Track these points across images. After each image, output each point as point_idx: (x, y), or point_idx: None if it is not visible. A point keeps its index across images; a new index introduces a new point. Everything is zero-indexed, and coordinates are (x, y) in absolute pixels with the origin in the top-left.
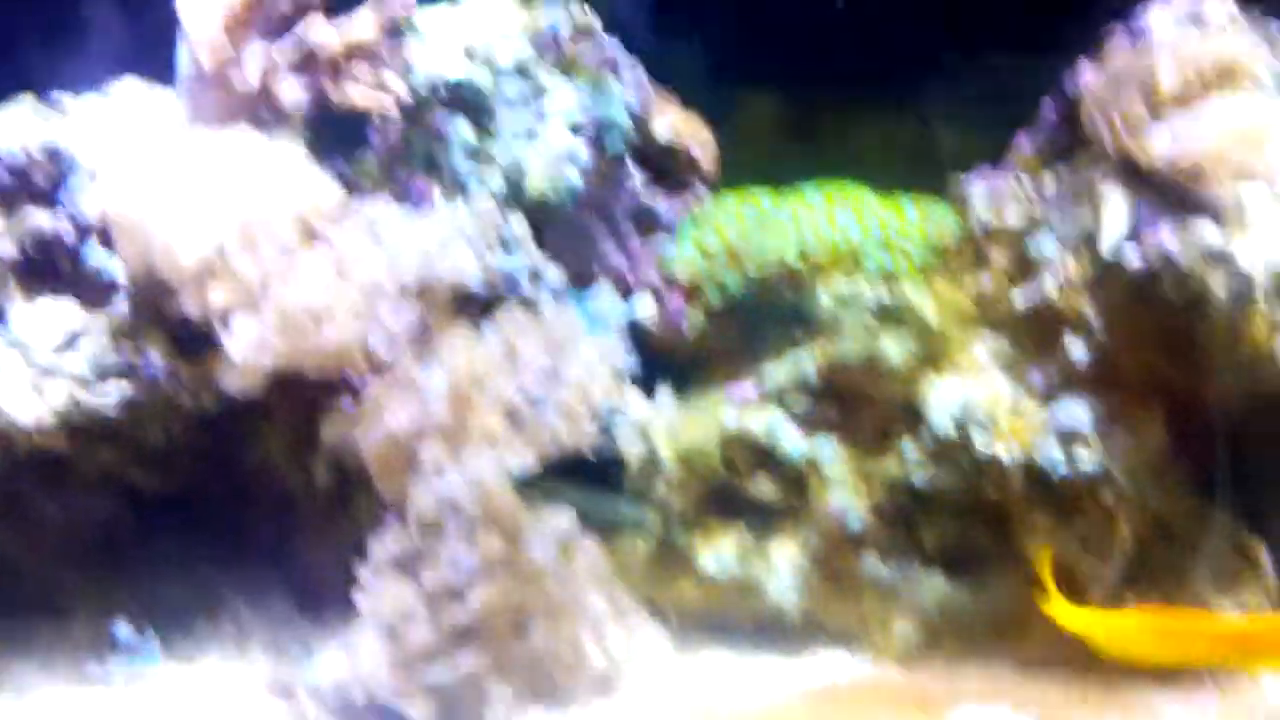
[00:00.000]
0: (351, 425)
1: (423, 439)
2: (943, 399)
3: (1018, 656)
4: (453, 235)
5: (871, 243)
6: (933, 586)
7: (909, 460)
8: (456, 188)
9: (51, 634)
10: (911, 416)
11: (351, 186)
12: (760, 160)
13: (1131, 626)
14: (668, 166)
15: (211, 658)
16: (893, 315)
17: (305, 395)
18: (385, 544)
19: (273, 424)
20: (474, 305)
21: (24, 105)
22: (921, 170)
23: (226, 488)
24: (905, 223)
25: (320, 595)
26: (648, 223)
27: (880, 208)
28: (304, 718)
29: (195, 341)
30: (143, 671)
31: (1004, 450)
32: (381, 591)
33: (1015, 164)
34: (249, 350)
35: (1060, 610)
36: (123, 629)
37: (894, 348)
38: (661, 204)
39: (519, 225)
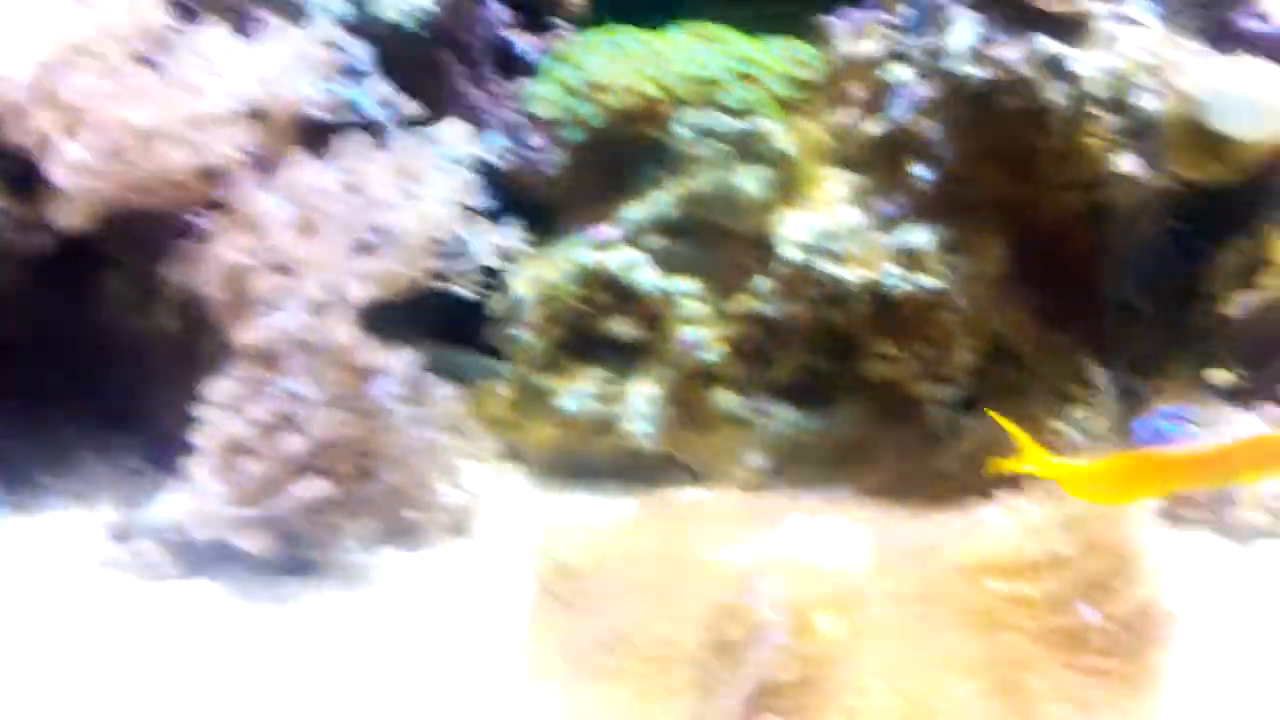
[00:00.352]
0: (193, 264)
1: (261, 271)
2: (793, 229)
3: (861, 484)
4: (292, 59)
5: (730, 76)
6: (783, 417)
7: (761, 292)
8: (296, 13)
9: None
10: (765, 250)
11: (189, 14)
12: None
13: (1109, 471)
14: (530, 2)
15: (55, 510)
16: (749, 149)
17: (145, 234)
18: (222, 381)
19: (113, 266)
20: (317, 133)
21: None
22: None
23: (69, 335)
24: (767, 57)
25: (170, 443)
26: (510, 62)
27: (742, 43)
28: (141, 557)
29: (22, 176)
30: None
31: (849, 275)
32: (216, 427)
33: None
34: (77, 177)
35: (1040, 464)
36: None
37: (750, 181)
38: (526, 43)
39: (364, 52)
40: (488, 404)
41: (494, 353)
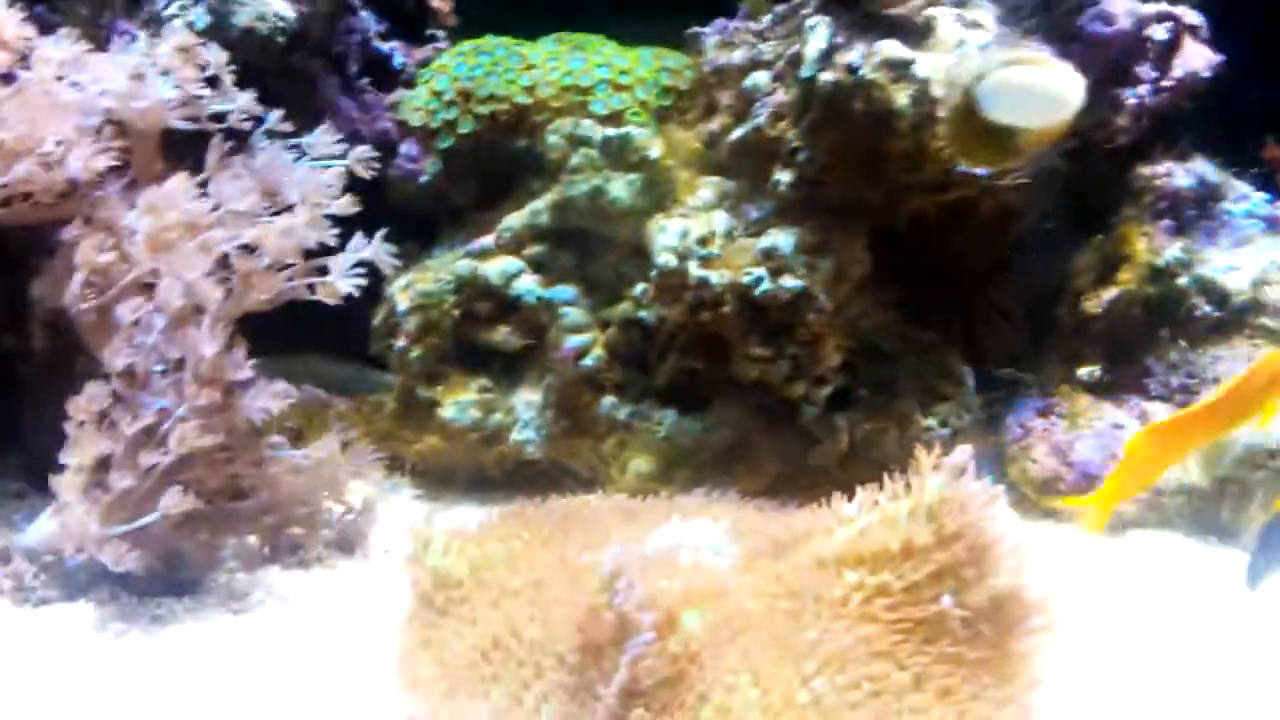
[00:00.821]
0: (57, 281)
1: (123, 287)
2: (665, 235)
3: (743, 485)
4: (150, 70)
5: (601, 85)
6: (665, 421)
7: (638, 298)
8: (158, 26)
9: None
10: (642, 255)
11: (47, 27)
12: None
13: (1146, 452)
14: (406, 14)
15: None
16: (620, 156)
17: (12, 251)
18: (86, 398)
19: None
20: (180, 144)
21: None
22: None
23: None
24: (638, 66)
25: (47, 463)
26: (387, 73)
27: (614, 53)
28: (19, 579)
29: None
30: None
31: (716, 277)
32: (82, 445)
33: (746, 9)
34: None
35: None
36: None
37: (621, 188)
38: (400, 54)
39: (221, 58)
40: (374, 417)
41: (381, 366)
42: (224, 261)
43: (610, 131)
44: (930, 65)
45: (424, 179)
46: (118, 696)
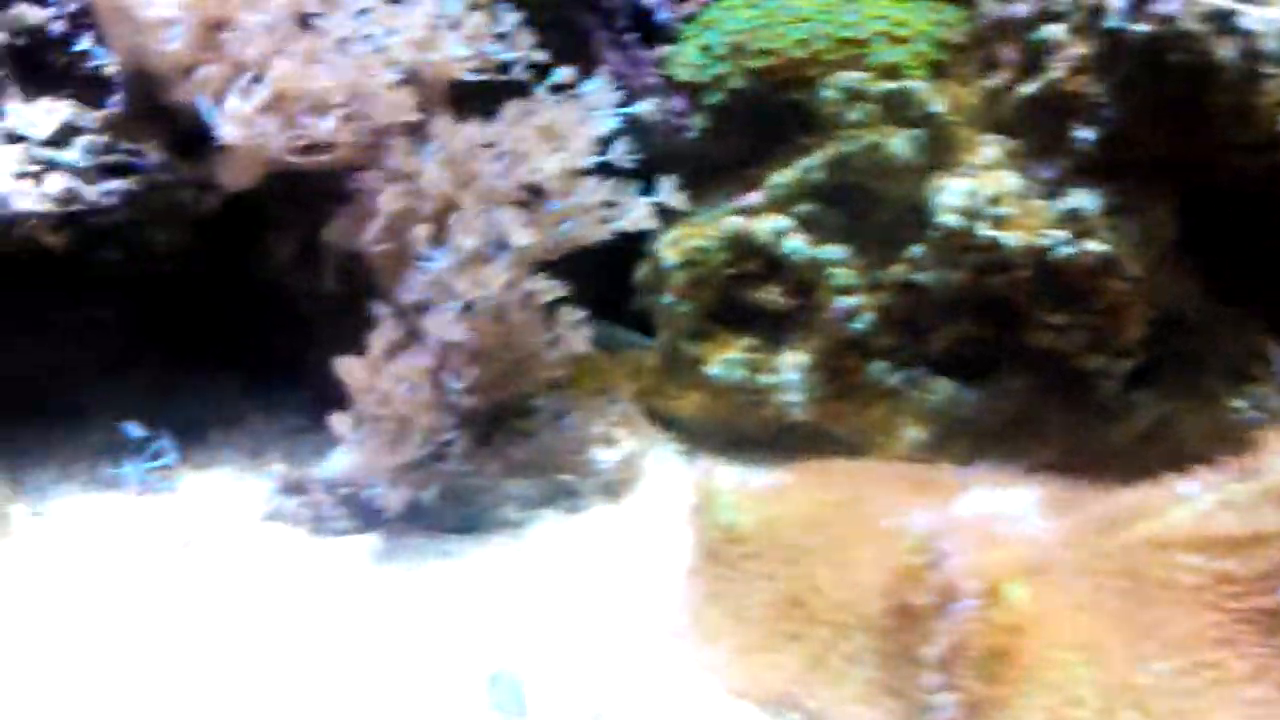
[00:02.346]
0: (352, 225)
1: (418, 229)
2: (950, 194)
3: (1024, 459)
4: (442, 23)
5: (878, 37)
6: (940, 390)
7: (916, 259)
8: None
9: (68, 440)
10: (918, 215)
11: None
12: None
13: None
14: None
15: (227, 466)
16: (900, 111)
17: (307, 196)
18: (380, 334)
19: (277, 229)
20: (467, 94)
21: None
22: None
23: (235, 296)
24: (914, 19)
25: (333, 401)
26: (651, 28)
27: (889, 4)
28: (317, 509)
29: (192, 138)
30: (158, 475)
31: (1011, 239)
32: (375, 381)
33: None
34: (243, 133)
35: None
36: (136, 431)
37: (901, 145)
38: (664, 9)
39: (511, 15)
40: (635, 372)
41: (637, 323)
42: (512, 205)
43: (890, 85)
44: (1259, 17)
45: (690, 134)
46: (414, 627)
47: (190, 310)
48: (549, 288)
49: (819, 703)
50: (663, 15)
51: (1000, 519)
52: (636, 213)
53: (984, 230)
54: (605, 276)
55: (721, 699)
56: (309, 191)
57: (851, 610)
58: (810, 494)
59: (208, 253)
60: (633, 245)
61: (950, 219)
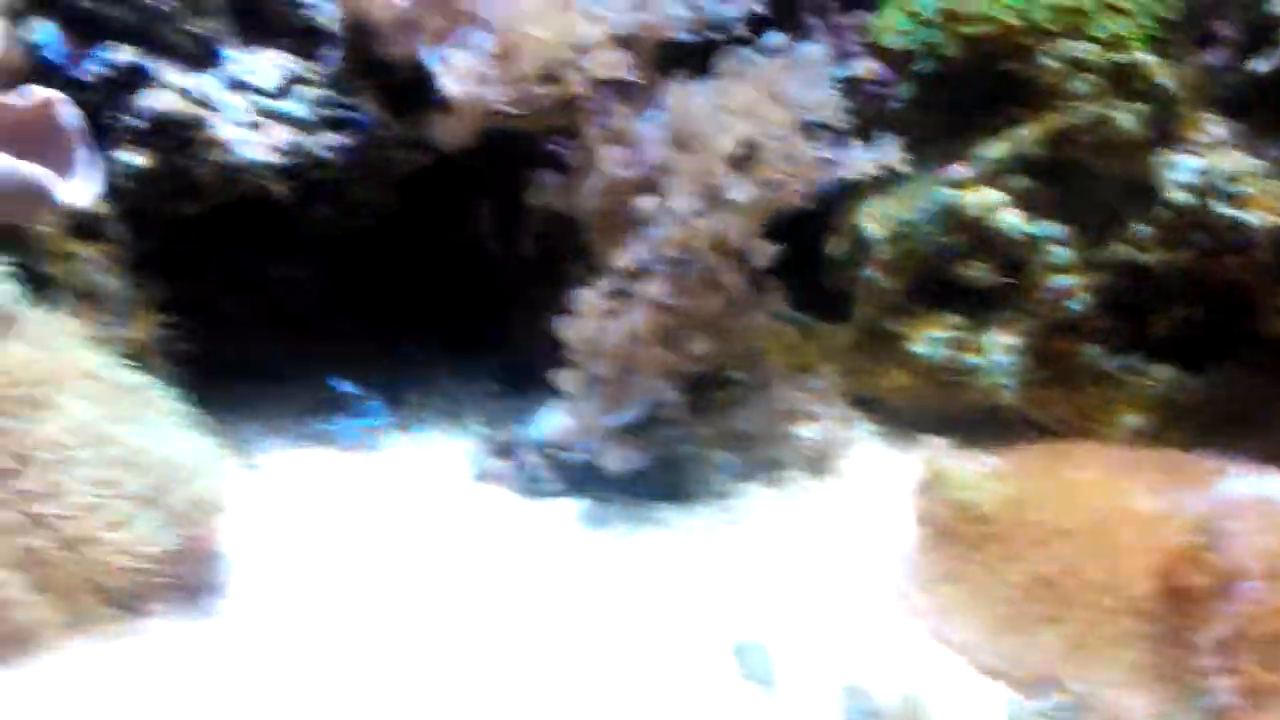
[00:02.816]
0: (559, 191)
1: (636, 189)
2: (1182, 171)
3: (1251, 449)
4: None
5: (1099, 7)
6: (1161, 376)
7: (1138, 239)
8: None
9: (273, 395)
10: (1142, 192)
11: None
12: None
13: None
14: None
15: (430, 428)
16: (1125, 83)
17: (513, 160)
18: (594, 294)
19: (477, 191)
20: (685, 53)
21: None
22: None
23: (430, 257)
24: None
25: (526, 365)
26: None
27: None
28: (524, 472)
29: (407, 95)
30: (368, 433)
31: (1252, 219)
32: (588, 340)
33: None
34: (465, 86)
35: None
36: (348, 388)
37: (1129, 118)
38: None
39: None
40: (827, 349)
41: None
42: (733, 164)
43: (1119, 56)
44: None
45: (895, 103)
46: (644, 595)
47: (385, 270)
48: (764, 249)
49: (1084, 685)
50: None
51: (1276, 503)
52: (858, 163)
53: (1221, 208)
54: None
55: (973, 677)
56: (510, 155)
57: (1114, 592)
58: (1052, 475)
59: (407, 212)
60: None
61: (1182, 196)
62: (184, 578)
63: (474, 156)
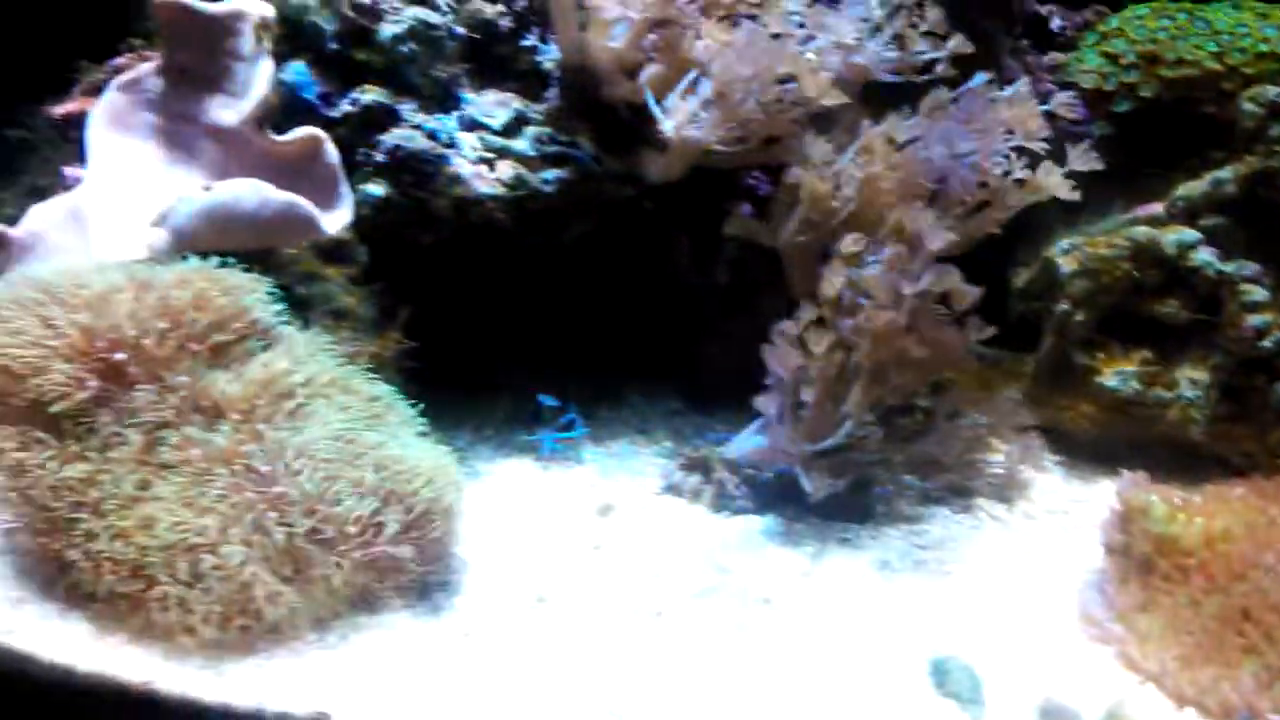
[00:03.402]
0: (754, 224)
1: (839, 225)
2: None
3: None
4: (866, 25)
5: None
6: None
7: None
8: None
9: (478, 406)
10: None
11: None
12: None
13: None
14: None
15: (619, 440)
16: None
17: (712, 190)
18: (793, 323)
19: (680, 221)
20: (888, 93)
21: None
22: None
23: (633, 280)
24: None
25: (713, 386)
26: (1043, 35)
27: None
28: (722, 488)
29: (620, 132)
30: (568, 444)
31: None
32: (787, 367)
33: None
34: (683, 128)
35: None
36: (550, 401)
37: None
38: (1058, 17)
39: (933, 13)
40: (1009, 378)
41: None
42: (933, 201)
43: None
44: None
45: (1089, 142)
46: (835, 610)
47: (583, 292)
48: (965, 291)
49: None
50: (1057, 23)
51: None
52: (1054, 181)
53: None
54: None
55: (1165, 705)
56: (709, 187)
57: None
58: (1251, 510)
59: (609, 239)
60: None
61: None
62: (421, 576)
63: (675, 187)
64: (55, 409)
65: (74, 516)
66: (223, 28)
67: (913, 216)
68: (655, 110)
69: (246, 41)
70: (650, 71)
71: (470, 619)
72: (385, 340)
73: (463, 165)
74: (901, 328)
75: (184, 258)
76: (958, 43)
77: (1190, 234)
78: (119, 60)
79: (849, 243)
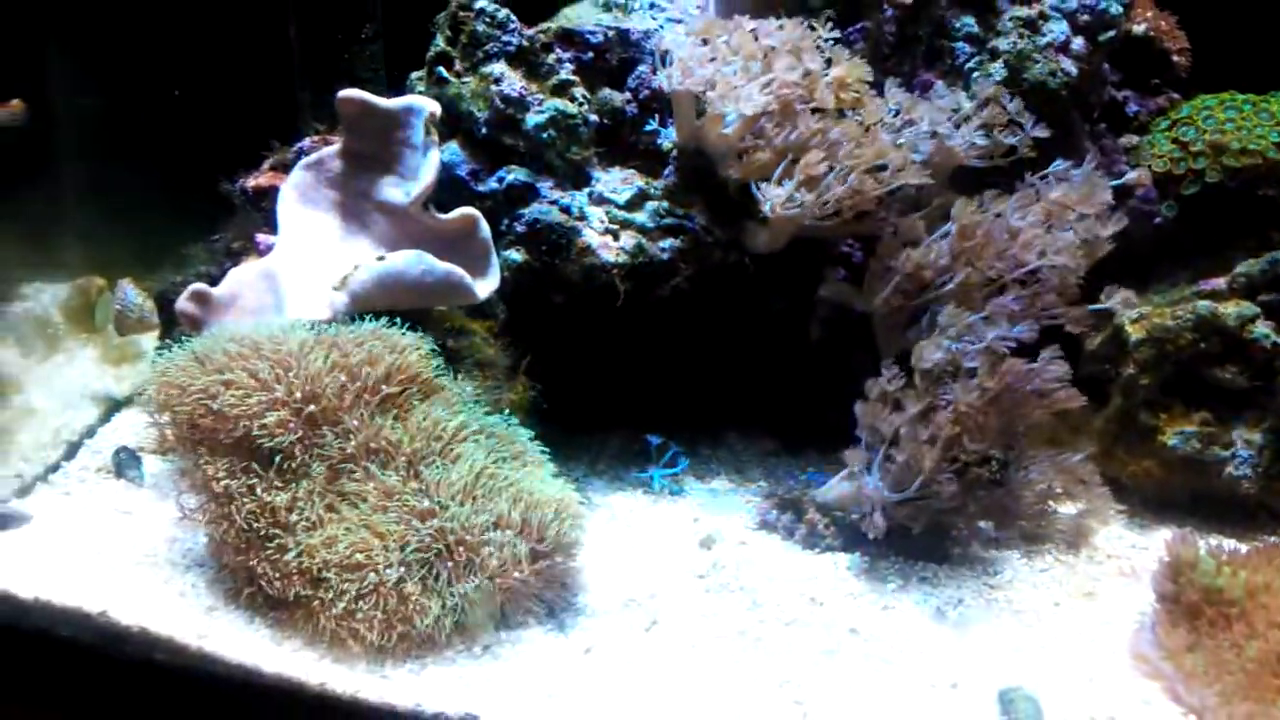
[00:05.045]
0: (847, 288)
1: (933, 300)
2: None
3: None
4: (957, 115)
5: None
6: None
7: None
8: (956, 77)
9: (593, 443)
10: None
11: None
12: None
13: None
14: (1141, 64)
15: (719, 478)
16: None
17: (809, 258)
18: (883, 382)
19: (779, 283)
20: (973, 177)
21: (595, 0)
22: None
23: (733, 334)
24: None
25: (803, 431)
26: (1119, 119)
27: None
28: (813, 527)
29: (727, 206)
30: (673, 481)
31: None
32: (876, 422)
33: None
34: (781, 209)
35: None
36: (657, 440)
37: None
38: (1134, 102)
39: (1019, 106)
40: (1078, 433)
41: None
42: (1013, 281)
43: None
44: None
45: (1158, 220)
46: (911, 641)
47: (692, 343)
48: (1057, 372)
49: None
50: (1133, 108)
51: None
52: (1124, 298)
53: None
54: None
55: None
56: (808, 253)
57: None
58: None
59: (716, 298)
60: None
61: None
62: (550, 599)
63: (780, 254)
64: (265, 446)
65: (270, 533)
66: (396, 120)
67: (1000, 303)
68: (756, 193)
69: (417, 133)
70: (755, 158)
71: (592, 637)
72: (520, 387)
73: (591, 236)
74: (985, 404)
75: (360, 316)
76: (1038, 130)
77: (1250, 308)
78: (305, 142)
79: (949, 315)
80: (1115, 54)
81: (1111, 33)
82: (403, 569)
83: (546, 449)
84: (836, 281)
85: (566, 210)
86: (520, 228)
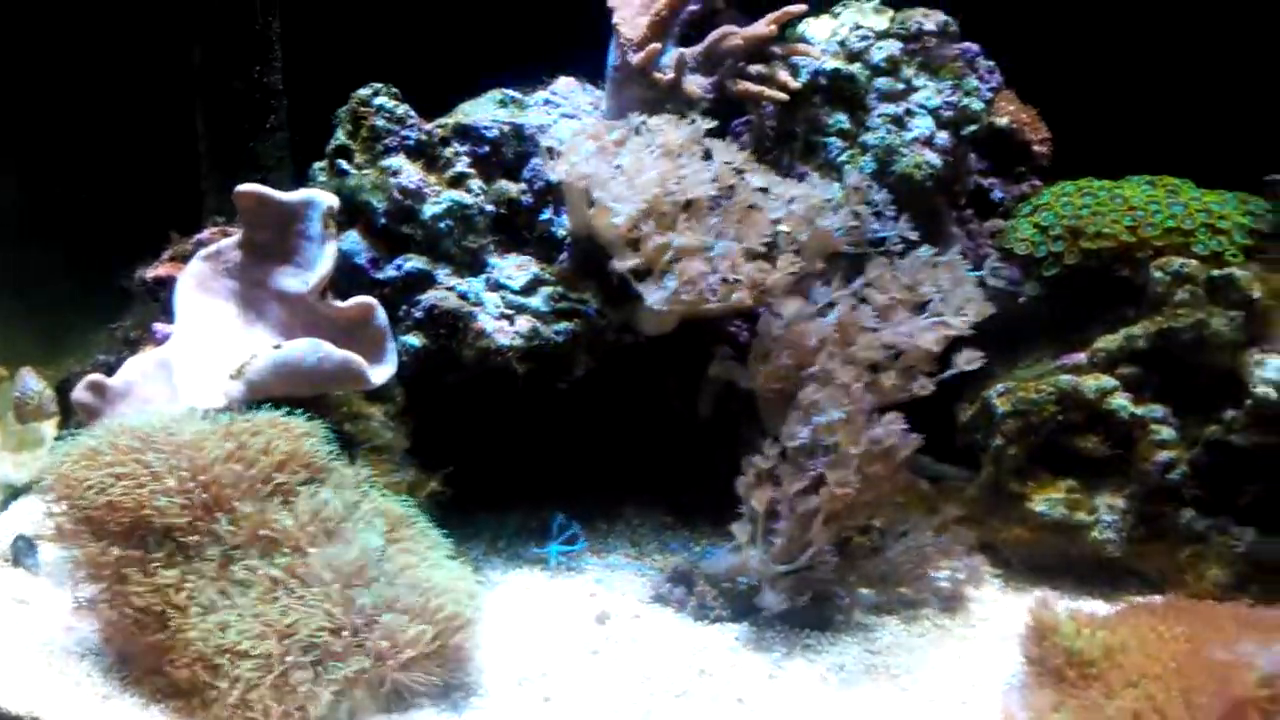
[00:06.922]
0: (734, 366)
1: (799, 376)
2: (1268, 369)
3: None
4: (826, 204)
5: (1202, 228)
6: (1244, 537)
7: (1230, 422)
8: (829, 170)
9: (490, 522)
10: (1235, 384)
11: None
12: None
13: None
14: (1005, 154)
15: (614, 553)
16: (1223, 295)
17: (698, 340)
18: (761, 460)
19: (669, 362)
20: (843, 261)
21: (492, 96)
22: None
23: (627, 411)
24: (1229, 210)
25: (697, 504)
26: (984, 205)
27: (1210, 198)
28: (702, 599)
29: (619, 291)
30: (571, 558)
31: None
32: (757, 497)
33: None
34: (664, 303)
35: None
36: (559, 518)
37: (1223, 324)
38: (999, 189)
39: (885, 198)
40: (954, 501)
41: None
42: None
43: (1215, 272)
44: None
45: (1022, 299)
46: (792, 704)
47: (586, 419)
48: (905, 441)
49: None
50: (998, 194)
51: None
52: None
53: None
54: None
55: None
56: (696, 334)
57: None
58: (1144, 627)
59: (609, 378)
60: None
61: (1264, 391)
62: (444, 679)
63: (670, 337)
64: (158, 533)
65: (164, 620)
66: (294, 214)
67: (856, 373)
68: (639, 289)
69: (315, 225)
70: (639, 256)
71: (485, 716)
72: (415, 469)
73: (487, 321)
74: (857, 482)
75: (258, 403)
76: (903, 222)
77: (1109, 381)
78: (204, 234)
79: (809, 393)
80: (980, 145)
81: (974, 127)
82: (292, 657)
83: (445, 529)
84: (723, 361)
85: (463, 296)
86: (418, 313)
